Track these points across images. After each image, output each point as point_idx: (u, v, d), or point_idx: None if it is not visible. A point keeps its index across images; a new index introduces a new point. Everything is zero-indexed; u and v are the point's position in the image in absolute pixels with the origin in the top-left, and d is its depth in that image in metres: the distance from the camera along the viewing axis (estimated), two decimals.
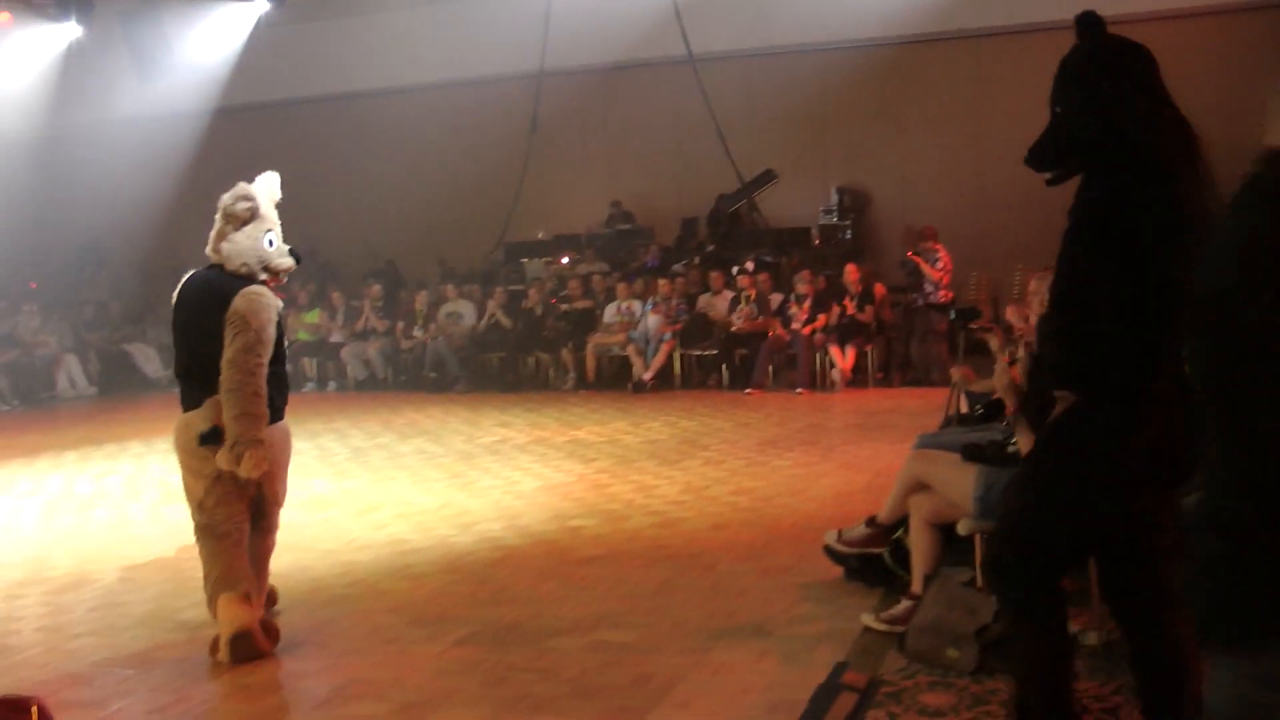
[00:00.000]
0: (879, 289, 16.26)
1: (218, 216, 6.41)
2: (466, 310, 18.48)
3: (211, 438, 5.91)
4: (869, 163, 18.78)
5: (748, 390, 15.57)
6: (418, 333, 18.66)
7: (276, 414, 6.16)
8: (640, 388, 16.26)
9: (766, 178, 18.49)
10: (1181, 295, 2.80)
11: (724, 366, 16.43)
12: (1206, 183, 3.58)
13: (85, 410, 18.25)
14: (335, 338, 19.34)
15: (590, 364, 16.97)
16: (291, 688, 5.63)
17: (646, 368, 16.43)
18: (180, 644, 6.41)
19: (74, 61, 20.28)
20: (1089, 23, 3.82)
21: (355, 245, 21.34)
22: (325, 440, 13.36)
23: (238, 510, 6.09)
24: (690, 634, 5.80)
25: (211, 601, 6.00)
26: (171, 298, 6.38)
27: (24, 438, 14.86)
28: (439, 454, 11.93)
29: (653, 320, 16.64)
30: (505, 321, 18.09)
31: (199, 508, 6.06)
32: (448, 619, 6.47)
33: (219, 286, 6.15)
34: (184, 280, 6.39)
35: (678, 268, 18.07)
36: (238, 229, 6.33)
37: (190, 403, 6.09)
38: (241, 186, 6.48)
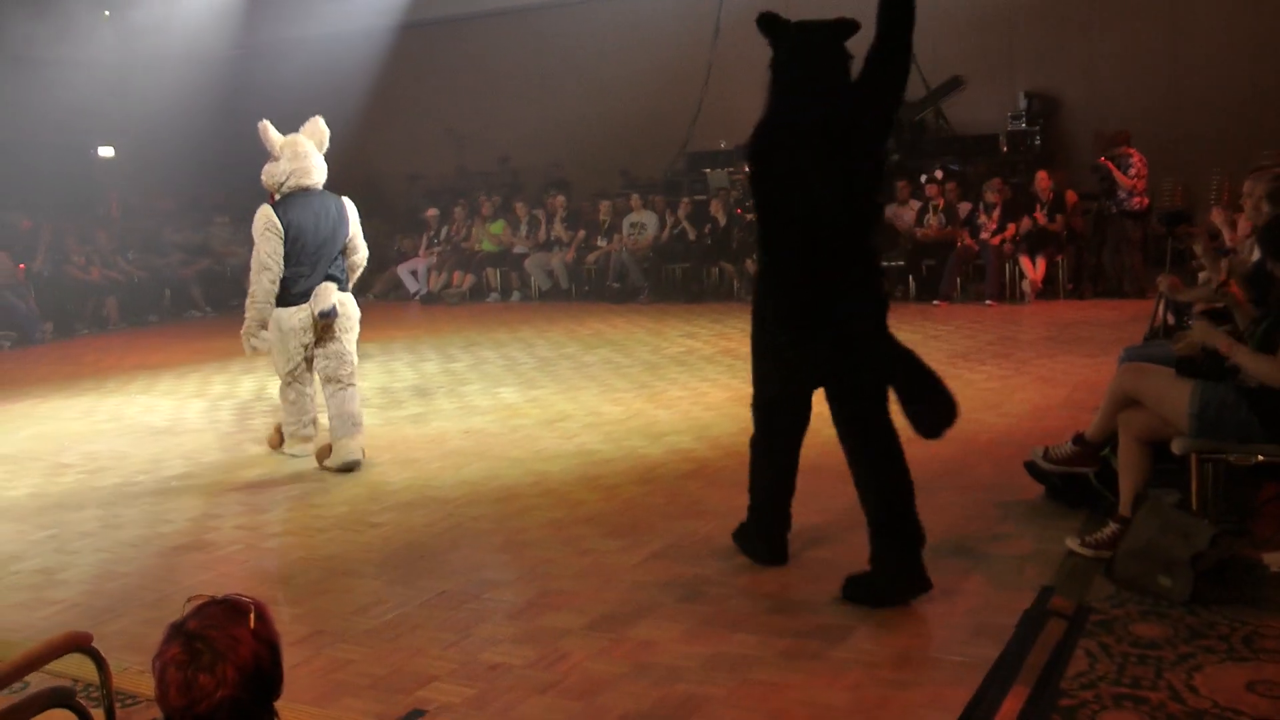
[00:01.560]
0: (1070, 197, 15.73)
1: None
2: (650, 221, 18.40)
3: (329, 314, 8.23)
4: (1058, 66, 18.17)
5: (935, 302, 15.31)
6: (601, 243, 18.67)
7: (288, 300, 8.29)
8: None
9: (953, 84, 18.02)
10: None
11: (911, 278, 16.10)
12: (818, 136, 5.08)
13: None
14: (519, 249, 19.44)
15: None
16: (488, 597, 5.67)
17: None
18: (375, 546, 6.56)
19: None
20: (765, 22, 5.28)
21: (537, 156, 21.39)
22: (511, 350, 13.48)
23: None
24: None
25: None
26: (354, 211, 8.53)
27: (217, 343, 15.23)
28: (625, 364, 11.95)
29: None
30: (690, 231, 17.99)
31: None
32: (642, 531, 6.49)
33: None
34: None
35: None
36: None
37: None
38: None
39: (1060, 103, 18.19)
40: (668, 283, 18.13)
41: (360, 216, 8.49)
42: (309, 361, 8.49)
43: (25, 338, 16.99)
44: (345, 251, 8.56)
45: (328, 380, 8.44)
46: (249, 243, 8.57)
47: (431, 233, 20.44)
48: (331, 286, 8.30)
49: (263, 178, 8.46)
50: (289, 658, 4.93)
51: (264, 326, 8.39)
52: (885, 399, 5.34)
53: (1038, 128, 17.68)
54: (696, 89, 19.34)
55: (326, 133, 8.60)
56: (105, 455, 9.34)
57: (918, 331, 12.85)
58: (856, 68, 5.28)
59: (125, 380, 12.96)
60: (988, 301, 14.98)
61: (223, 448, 9.38)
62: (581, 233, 19.04)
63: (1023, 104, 17.82)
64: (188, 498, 7.87)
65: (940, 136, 18.35)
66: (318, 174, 8.45)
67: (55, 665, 3.43)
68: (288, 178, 8.32)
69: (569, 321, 15.76)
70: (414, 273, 20.27)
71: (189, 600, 2.43)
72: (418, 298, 19.86)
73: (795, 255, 5.20)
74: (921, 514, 5.23)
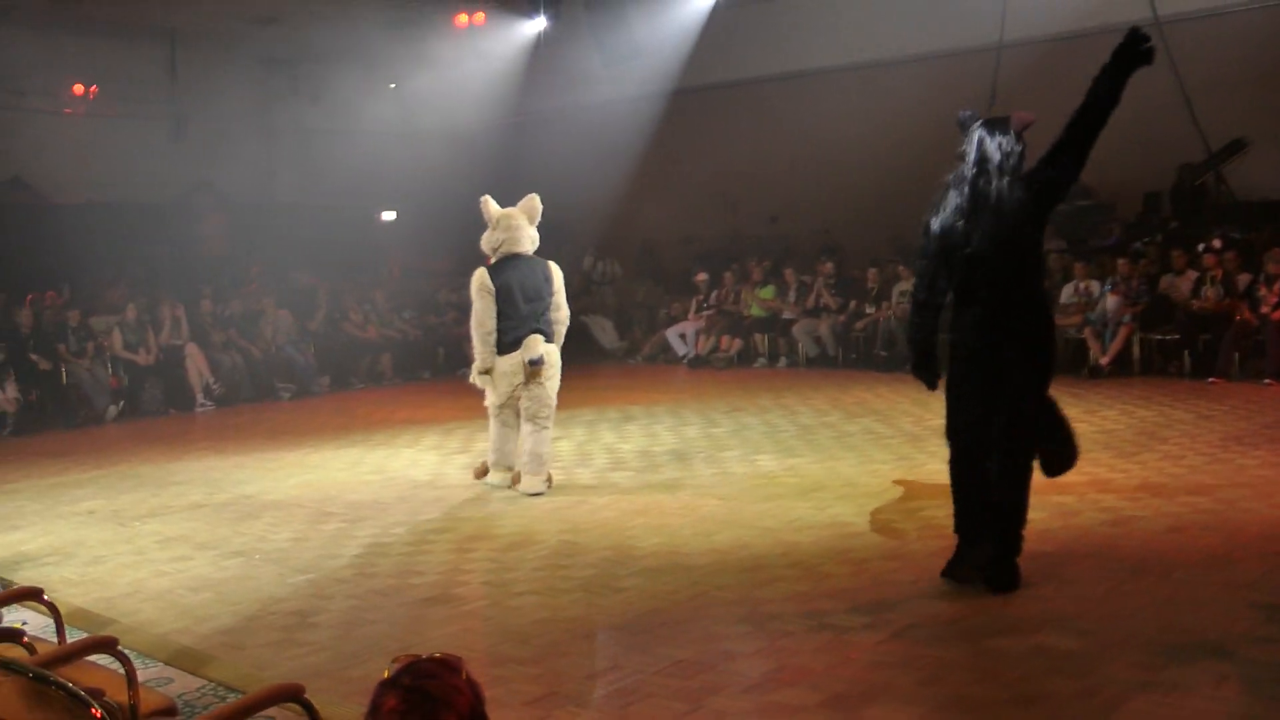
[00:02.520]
0: None
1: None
2: None
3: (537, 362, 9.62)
4: None
5: (1210, 379, 14.63)
6: (870, 310, 18.50)
7: (503, 349, 9.67)
8: (1097, 373, 15.59)
9: (1236, 146, 17.33)
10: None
11: (1186, 353, 15.51)
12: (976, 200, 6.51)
13: None
14: (786, 314, 19.41)
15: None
16: (724, 668, 5.64)
17: (1104, 352, 15.75)
18: (618, 611, 6.61)
19: (542, 52, 21.17)
20: (959, 122, 6.83)
21: (808, 221, 21.36)
22: (773, 416, 13.44)
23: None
24: (1141, 647, 5.50)
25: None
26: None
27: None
28: (887, 435, 11.80)
29: (1111, 301, 15.91)
30: None
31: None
32: (887, 608, 6.38)
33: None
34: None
35: (1138, 246, 17.20)
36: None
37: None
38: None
39: None
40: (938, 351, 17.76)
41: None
42: (516, 402, 9.83)
43: (304, 390, 17.73)
44: (550, 309, 9.90)
45: (528, 420, 9.83)
46: None
47: (701, 296, 20.59)
48: (539, 338, 9.68)
49: (482, 244, 9.98)
50: (521, 717, 5.02)
51: (488, 371, 9.82)
52: (1031, 427, 6.62)
53: None
54: None
55: (539, 208, 10.01)
56: (367, 506, 9.68)
57: (1190, 410, 12.36)
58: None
59: (393, 434, 13.38)
60: (1267, 380, 14.22)
61: (480, 503, 9.61)
62: (853, 303, 18.83)
63: None
64: (441, 551, 8.07)
65: (1220, 202, 17.66)
66: (527, 243, 9.86)
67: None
68: (501, 245, 9.80)
69: (834, 389, 15.63)
70: (683, 336, 20.43)
71: (393, 661, 2.46)
72: (685, 361, 19.99)
73: (966, 303, 6.64)
74: (1177, 611, 5.03)
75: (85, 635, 5.59)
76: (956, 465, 6.81)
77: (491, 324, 9.66)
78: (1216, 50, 17.63)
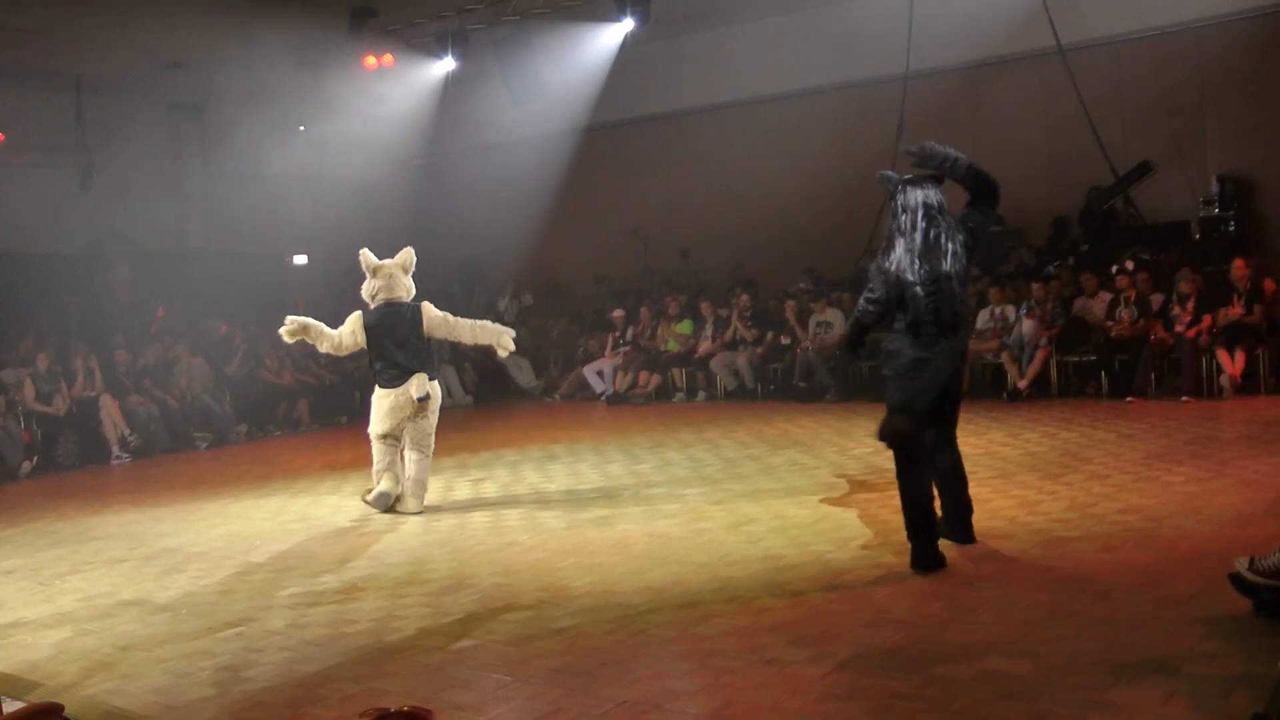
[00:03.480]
0: (1269, 285, 15.06)
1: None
2: (836, 319, 18.23)
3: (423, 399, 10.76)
4: (1252, 147, 17.60)
5: (1129, 399, 14.84)
6: (785, 342, 18.55)
7: (384, 383, 10.92)
8: (1016, 396, 15.74)
9: (1143, 170, 17.62)
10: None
11: (1103, 373, 15.70)
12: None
13: (462, 419, 18.87)
14: (704, 349, 19.42)
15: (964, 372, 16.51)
16: (670, 707, 5.54)
17: (1022, 375, 15.90)
18: (557, 653, 6.49)
19: (451, 92, 21.13)
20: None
21: (723, 256, 21.43)
22: (697, 451, 13.41)
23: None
24: (1087, 668, 5.48)
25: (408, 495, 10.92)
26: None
27: None
28: (812, 465, 11.79)
29: (1027, 325, 16.09)
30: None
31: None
32: (828, 640, 6.31)
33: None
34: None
35: (1051, 269, 17.41)
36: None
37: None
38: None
39: (1255, 186, 17.65)
40: (855, 381, 17.90)
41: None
42: (400, 432, 10.89)
43: (221, 438, 17.52)
44: (439, 340, 11.31)
45: (413, 448, 10.93)
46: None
47: (618, 333, 20.58)
48: (424, 377, 10.80)
49: (362, 293, 11.10)
50: None
51: (301, 332, 11.10)
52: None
53: (1232, 213, 17.17)
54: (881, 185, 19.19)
55: (413, 259, 11.16)
56: (293, 555, 9.50)
57: (1111, 430, 12.50)
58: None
59: (315, 480, 13.22)
60: (1184, 398, 14.46)
61: (408, 549, 9.45)
62: (770, 334, 18.89)
63: (1215, 188, 17.34)
64: (372, 599, 7.92)
65: (1129, 225, 17.93)
66: (401, 291, 11.00)
67: None
68: (378, 292, 10.96)
69: (755, 421, 15.64)
70: (600, 373, 20.40)
71: (361, 715, 2.40)
72: (604, 398, 19.96)
73: (906, 316, 7.71)
74: (1118, 630, 5.21)
75: (17, 703, 5.41)
76: (909, 463, 7.72)
77: (334, 341, 11.06)
78: (1119, 76, 17.96)
